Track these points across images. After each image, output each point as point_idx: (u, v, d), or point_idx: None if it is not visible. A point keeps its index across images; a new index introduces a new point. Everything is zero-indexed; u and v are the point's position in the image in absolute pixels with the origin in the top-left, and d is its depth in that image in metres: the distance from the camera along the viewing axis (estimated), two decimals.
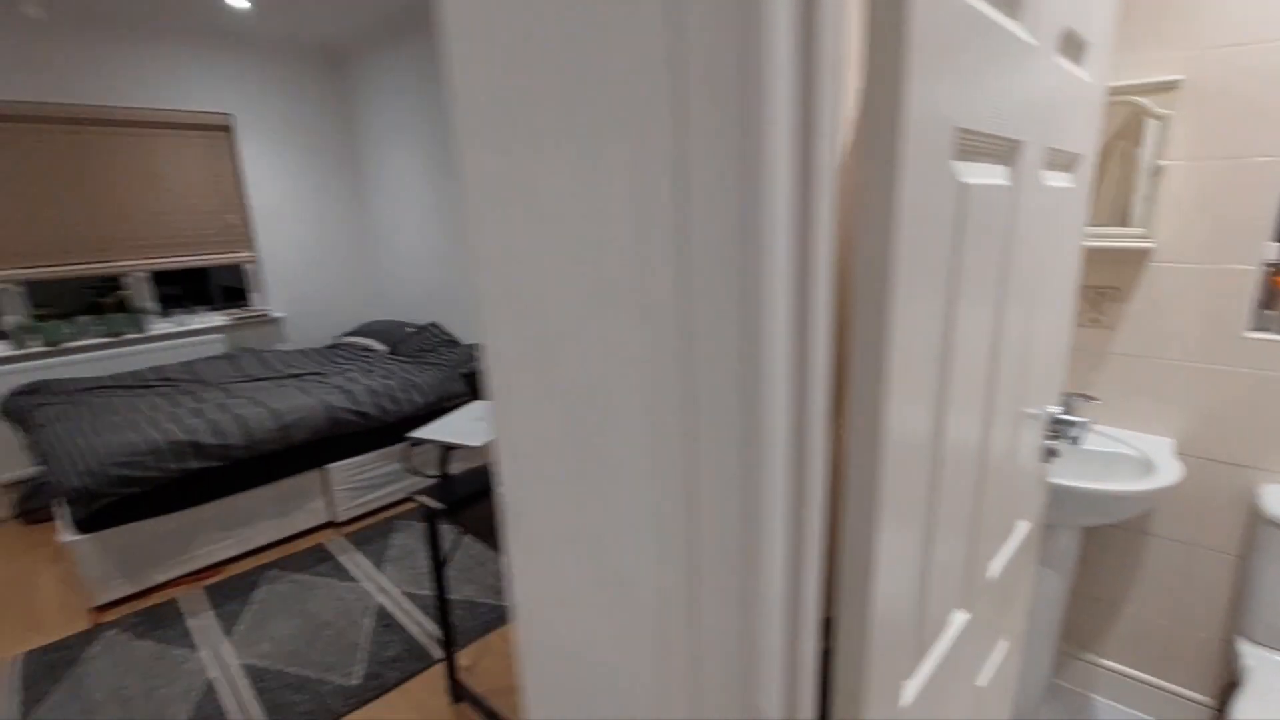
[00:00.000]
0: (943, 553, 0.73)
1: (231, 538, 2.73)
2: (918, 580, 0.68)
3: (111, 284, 3.60)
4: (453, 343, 3.77)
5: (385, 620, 2.34)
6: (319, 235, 4.19)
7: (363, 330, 4.10)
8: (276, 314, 4.02)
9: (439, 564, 1.81)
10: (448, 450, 1.72)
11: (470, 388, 3.47)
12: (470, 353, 3.54)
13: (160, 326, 3.65)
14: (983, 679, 1.03)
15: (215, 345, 3.75)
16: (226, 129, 3.75)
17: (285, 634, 2.28)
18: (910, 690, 0.71)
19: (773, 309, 0.42)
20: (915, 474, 0.62)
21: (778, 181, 0.40)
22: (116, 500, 2.37)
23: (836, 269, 0.48)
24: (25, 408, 2.94)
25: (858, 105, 0.50)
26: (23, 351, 3.19)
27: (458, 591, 2.49)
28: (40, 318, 3.28)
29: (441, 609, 1.87)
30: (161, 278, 3.76)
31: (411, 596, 2.48)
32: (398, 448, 3.19)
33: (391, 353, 3.82)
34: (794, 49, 0.39)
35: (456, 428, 1.65)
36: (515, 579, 0.76)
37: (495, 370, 0.66)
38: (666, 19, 0.40)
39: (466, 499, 1.67)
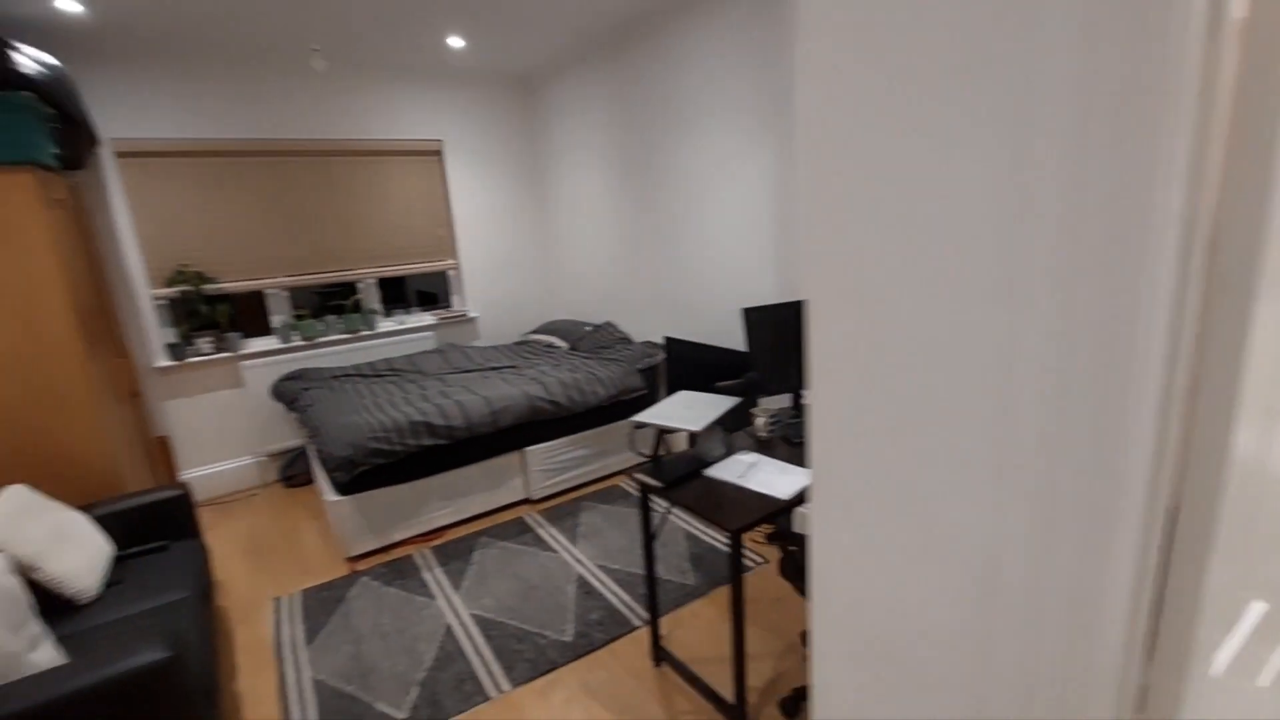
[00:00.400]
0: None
1: (450, 506, 3.15)
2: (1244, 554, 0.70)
3: (348, 289, 4.27)
4: (627, 340, 4.02)
5: (585, 588, 2.59)
6: (508, 244, 4.66)
7: (545, 328, 4.50)
8: (473, 314, 4.53)
9: (649, 538, 1.99)
10: (662, 435, 1.89)
11: (647, 382, 3.69)
12: (645, 349, 3.76)
13: (384, 325, 4.27)
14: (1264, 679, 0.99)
15: (426, 341, 4.30)
16: (438, 153, 4.30)
17: (503, 591, 2.60)
18: (1221, 660, 0.72)
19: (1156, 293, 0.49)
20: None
21: (1171, 188, 0.47)
22: (369, 469, 2.83)
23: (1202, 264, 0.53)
24: (291, 391, 3.59)
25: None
26: (287, 345, 3.88)
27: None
28: (298, 317, 3.98)
29: (650, 578, 2.05)
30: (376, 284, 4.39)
31: (605, 569, 2.71)
32: (588, 433, 3.48)
33: (572, 349, 4.15)
34: (1197, 73, 0.46)
35: (675, 414, 1.81)
36: (816, 540, 0.86)
37: (818, 331, 0.77)
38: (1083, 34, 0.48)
39: (681, 479, 1.83)
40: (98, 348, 2.56)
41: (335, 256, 4.04)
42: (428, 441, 2.94)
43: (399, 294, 6.23)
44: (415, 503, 3.04)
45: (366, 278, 4.20)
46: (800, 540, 1.79)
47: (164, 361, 3.54)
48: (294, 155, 3.81)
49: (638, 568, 2.71)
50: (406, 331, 4.26)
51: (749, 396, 2.17)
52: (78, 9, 2.72)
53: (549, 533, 3.07)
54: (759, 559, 2.73)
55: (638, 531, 3.02)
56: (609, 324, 4.15)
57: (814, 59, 0.69)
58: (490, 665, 2.18)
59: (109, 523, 2.31)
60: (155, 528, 2.42)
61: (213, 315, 3.64)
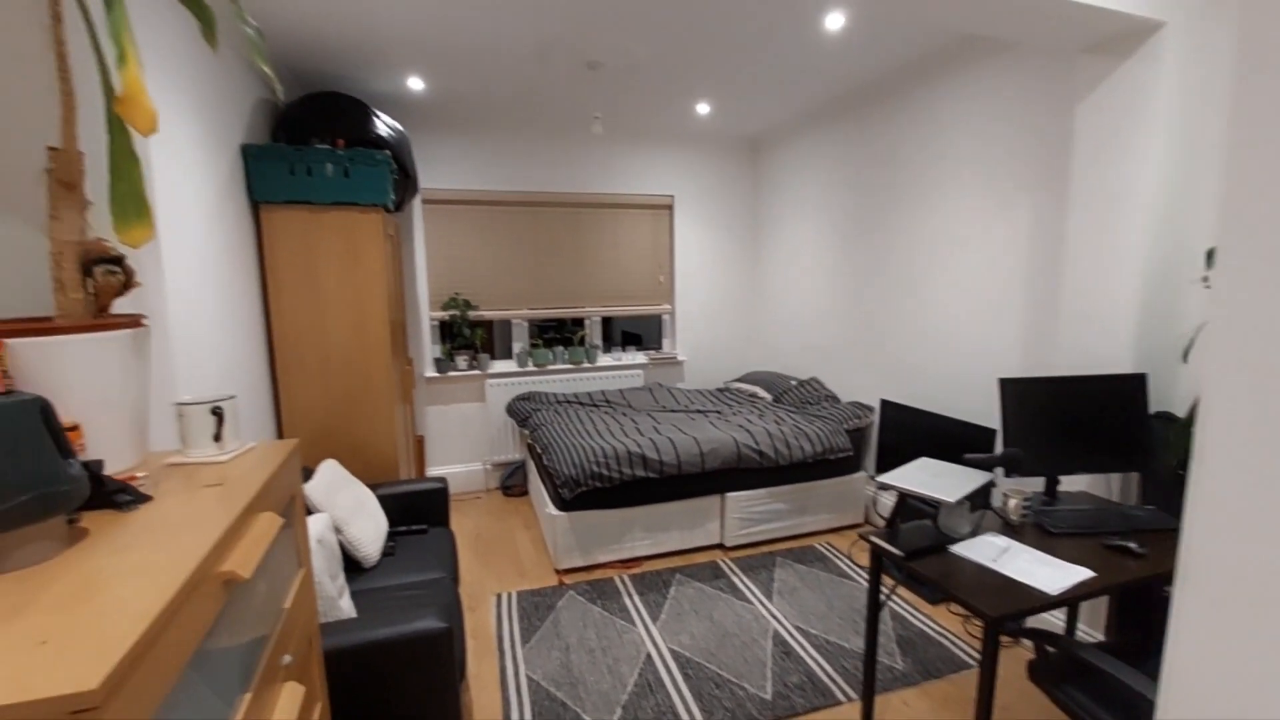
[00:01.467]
0: None
1: (650, 539, 3.28)
2: None
3: (576, 325, 4.73)
4: (833, 398, 3.92)
5: (783, 647, 2.52)
6: (720, 293, 4.84)
7: (749, 378, 4.56)
8: (681, 357, 4.75)
9: (875, 608, 1.90)
10: (902, 500, 1.81)
11: (854, 444, 3.56)
12: (853, 410, 3.64)
13: (604, 359, 4.64)
14: None
15: (635, 379, 4.59)
16: (669, 207, 4.66)
17: (699, 631, 2.64)
18: None
19: None
20: None
21: None
22: (588, 490, 3.07)
23: None
24: (523, 410, 4.03)
25: None
26: (523, 369, 4.39)
27: (847, 640, 2.55)
28: (534, 346, 4.49)
29: (870, 657, 1.95)
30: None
31: (803, 632, 2.62)
32: (788, 488, 3.44)
33: (775, 401, 4.16)
34: None
35: (923, 481, 1.73)
36: (1181, 637, 0.78)
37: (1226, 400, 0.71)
38: None
39: (921, 551, 1.73)
40: (396, 356, 3.14)
41: (570, 294, 4.51)
42: (640, 473, 3.12)
43: (607, 333, 6.78)
44: (620, 529, 3.22)
45: (593, 315, 4.62)
46: (1056, 640, 1.59)
47: (431, 373, 4.20)
48: (551, 206, 4.38)
49: (838, 636, 2.58)
50: (622, 367, 4.59)
51: (1005, 473, 2.01)
52: (421, 86, 3.45)
53: (743, 581, 3.05)
54: (977, 655, 2.45)
55: (836, 597, 2.88)
56: (814, 380, 4.09)
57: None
58: (690, 705, 2.20)
59: (387, 503, 2.77)
60: (418, 512, 2.85)
61: (471, 337, 4.26)
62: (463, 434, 4.34)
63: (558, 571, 3.21)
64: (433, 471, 4.29)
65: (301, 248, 2.78)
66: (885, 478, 1.77)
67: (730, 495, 3.36)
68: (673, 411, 3.99)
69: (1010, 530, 1.87)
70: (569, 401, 4.14)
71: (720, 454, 3.26)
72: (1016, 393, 1.94)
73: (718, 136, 4.66)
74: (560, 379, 4.43)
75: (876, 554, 1.83)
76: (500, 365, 4.46)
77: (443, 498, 2.86)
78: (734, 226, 4.82)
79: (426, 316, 4.20)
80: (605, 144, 4.41)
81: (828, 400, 3.92)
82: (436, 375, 4.19)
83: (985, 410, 2.94)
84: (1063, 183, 2.53)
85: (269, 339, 2.83)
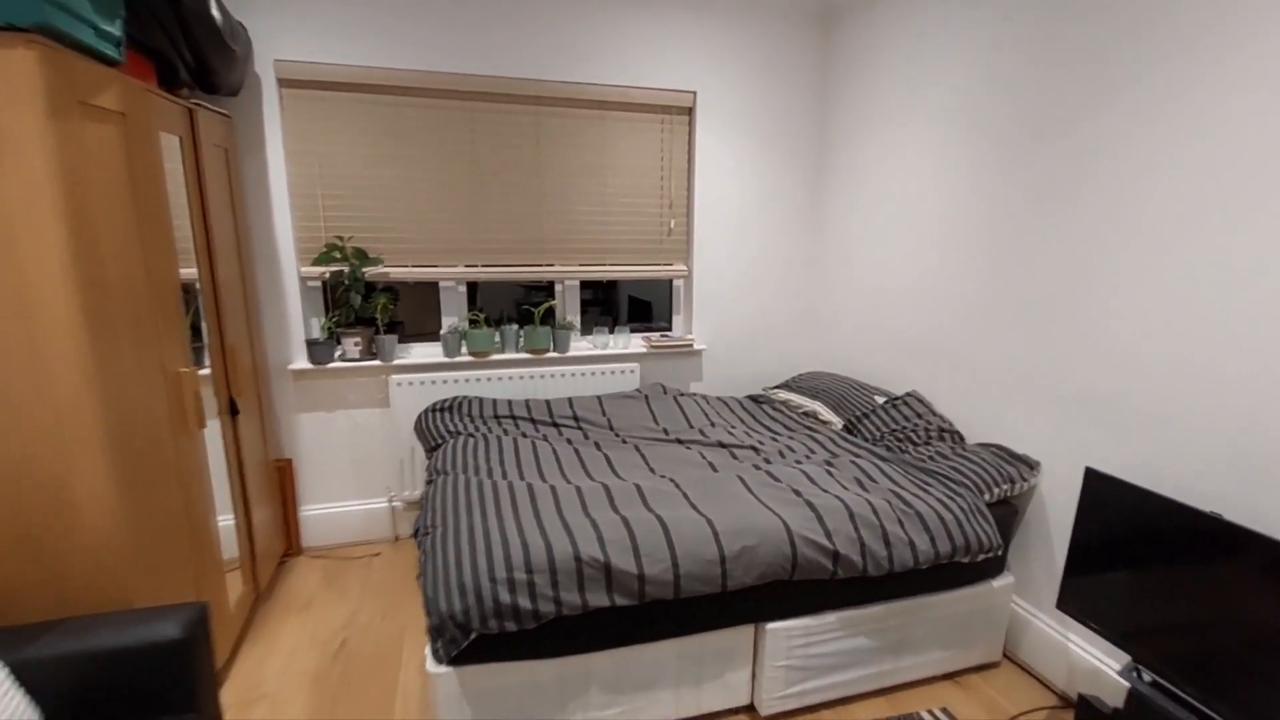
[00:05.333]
0: None
1: (620, 706, 1.76)
2: None
3: (538, 291, 3.16)
4: (953, 433, 2.32)
5: None
6: (760, 247, 3.20)
7: (799, 385, 2.95)
8: (698, 345, 3.15)
9: None
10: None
11: (1002, 532, 1.97)
12: (998, 460, 2.03)
13: (578, 345, 3.07)
14: None
15: (628, 377, 3.02)
16: (688, 111, 2.99)
17: None
18: None
19: None
20: None
21: None
22: (492, 636, 1.55)
23: None
24: (439, 431, 2.50)
25: None
26: (452, 359, 2.84)
27: None
28: (472, 323, 2.93)
29: None
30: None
31: None
32: (878, 609, 1.88)
33: (848, 429, 2.56)
34: None
35: None
36: None
37: None
38: None
39: None
40: (146, 348, 1.60)
41: (532, 245, 2.92)
42: (601, 600, 1.58)
43: (608, 303, 5.07)
44: (561, 691, 1.70)
45: (565, 278, 3.03)
46: None
47: (301, 363, 2.68)
48: (502, 100, 2.74)
49: None
50: (605, 360, 3.01)
51: None
52: None
53: None
54: None
55: None
56: (913, 397, 2.48)
57: None
58: None
59: (60, 669, 1.29)
60: (141, 682, 1.36)
61: (369, 308, 2.71)
62: (357, 457, 2.84)
63: None
64: (309, 512, 2.81)
65: None
66: None
67: (772, 626, 1.82)
68: (678, 442, 2.42)
69: None
70: (513, 417, 2.59)
71: (760, 557, 1.70)
72: None
73: (767, 3, 2.94)
74: (509, 376, 2.88)
75: None
76: (419, 351, 2.92)
77: (189, 654, 1.36)
78: (784, 148, 3.13)
79: (294, 272, 2.65)
80: (582, 7, 2.74)
81: (945, 437, 2.31)
82: (310, 367, 2.67)
83: None
84: None
85: None
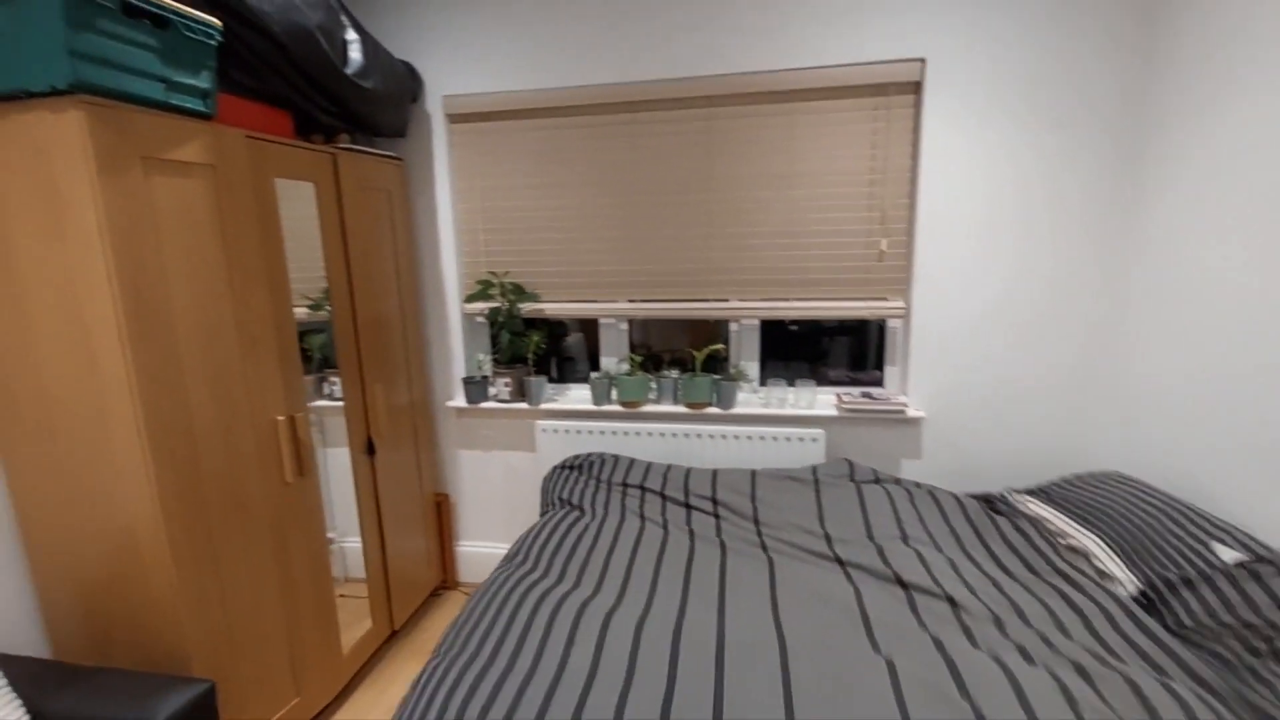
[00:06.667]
0: None
1: None
2: None
3: (710, 331, 2.65)
4: None
5: None
6: (1018, 276, 2.17)
7: (1068, 496, 1.89)
8: (914, 412, 2.28)
9: None
10: None
11: None
12: None
13: (744, 402, 2.48)
14: None
15: (809, 447, 2.32)
16: (914, 88, 2.17)
17: None
18: None
19: None
20: None
21: None
22: None
23: None
24: (560, 490, 2.20)
25: None
26: (599, 409, 2.53)
27: None
28: (631, 366, 2.57)
29: None
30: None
31: None
32: None
33: (1145, 599, 1.50)
34: None
35: None
36: None
37: None
38: None
39: None
40: (272, 393, 1.62)
41: (699, 277, 2.44)
42: None
43: (793, 344, 3.92)
44: None
45: (743, 316, 2.47)
46: None
47: (458, 400, 2.65)
48: (658, 107, 2.34)
49: None
50: (779, 421, 2.37)
51: None
52: None
53: None
54: None
55: None
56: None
57: None
58: None
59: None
60: None
61: (521, 347, 2.56)
62: (508, 497, 2.72)
63: None
64: (466, 548, 2.79)
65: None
66: None
67: None
68: (838, 561, 1.69)
69: None
70: (643, 489, 2.15)
71: None
72: None
73: None
74: (658, 433, 2.44)
75: None
76: (575, 395, 2.68)
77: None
78: (1074, 126, 2.06)
79: (458, 310, 2.64)
80: None
81: None
82: (465, 406, 2.62)
83: None
84: None
85: None
